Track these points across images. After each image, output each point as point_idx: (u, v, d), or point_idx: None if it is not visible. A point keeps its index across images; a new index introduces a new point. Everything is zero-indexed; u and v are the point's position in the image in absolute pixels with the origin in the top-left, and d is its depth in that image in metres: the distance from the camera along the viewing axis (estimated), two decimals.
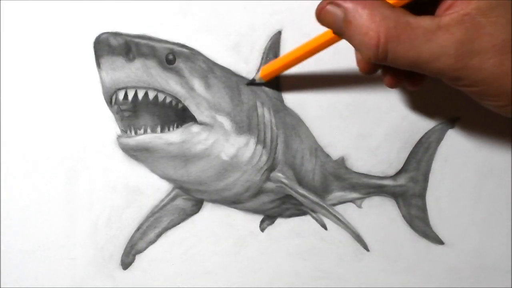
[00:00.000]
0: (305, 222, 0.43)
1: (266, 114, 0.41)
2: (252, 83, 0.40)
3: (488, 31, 0.28)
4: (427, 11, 0.31)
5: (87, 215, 0.42)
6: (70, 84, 0.40)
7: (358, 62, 0.36)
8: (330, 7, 0.32)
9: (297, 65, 0.38)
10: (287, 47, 0.41)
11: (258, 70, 0.40)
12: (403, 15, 0.30)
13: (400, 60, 0.30)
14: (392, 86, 0.37)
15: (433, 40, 0.29)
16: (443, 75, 0.30)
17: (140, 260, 0.43)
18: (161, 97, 0.38)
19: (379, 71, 0.36)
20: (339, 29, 0.32)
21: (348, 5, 0.31)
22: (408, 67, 0.31)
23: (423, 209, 0.44)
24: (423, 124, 0.43)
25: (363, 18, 0.30)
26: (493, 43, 0.28)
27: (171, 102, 0.38)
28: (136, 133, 0.39)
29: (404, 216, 0.44)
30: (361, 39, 0.30)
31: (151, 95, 0.38)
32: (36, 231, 0.42)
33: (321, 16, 0.33)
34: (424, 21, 0.29)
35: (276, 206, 0.43)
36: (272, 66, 0.39)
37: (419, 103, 0.42)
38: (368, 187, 0.43)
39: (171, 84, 0.38)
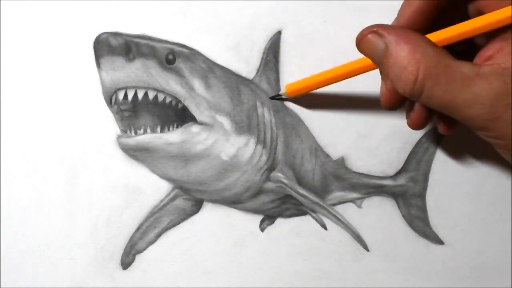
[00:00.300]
0: (305, 222, 0.43)
1: (266, 114, 0.41)
2: (275, 97, 0.41)
3: None
4: (465, 57, 0.31)
5: (87, 215, 0.42)
6: (70, 84, 0.40)
7: (382, 94, 0.36)
8: (372, 37, 0.32)
9: (294, 65, 0.38)
10: (287, 47, 0.41)
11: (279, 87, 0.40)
12: (444, 56, 0.30)
13: (434, 100, 0.30)
14: (416, 127, 0.37)
15: (470, 87, 0.29)
16: (473, 123, 0.30)
17: (140, 260, 0.43)
18: (161, 97, 0.38)
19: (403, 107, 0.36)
20: (377, 60, 0.32)
21: (391, 38, 0.31)
22: (440, 108, 0.31)
23: (423, 209, 0.44)
24: None
25: (405, 52, 0.30)
26: None
27: (171, 102, 0.38)
28: (136, 133, 0.39)
29: (404, 216, 0.44)
30: (399, 73, 0.30)
31: (151, 95, 0.38)
32: (36, 231, 0.42)
33: (362, 44, 0.33)
34: (464, 67, 0.29)
35: (276, 206, 0.43)
36: (300, 84, 0.39)
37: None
38: (368, 187, 0.43)
39: (171, 84, 0.38)
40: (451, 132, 0.38)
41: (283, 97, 0.41)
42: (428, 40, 0.31)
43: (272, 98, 0.41)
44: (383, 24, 0.32)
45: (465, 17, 0.32)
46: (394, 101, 0.35)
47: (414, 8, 0.33)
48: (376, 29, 0.32)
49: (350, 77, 0.37)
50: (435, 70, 0.29)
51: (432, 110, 0.33)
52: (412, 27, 0.33)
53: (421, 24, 0.33)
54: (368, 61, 0.34)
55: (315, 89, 0.39)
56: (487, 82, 0.29)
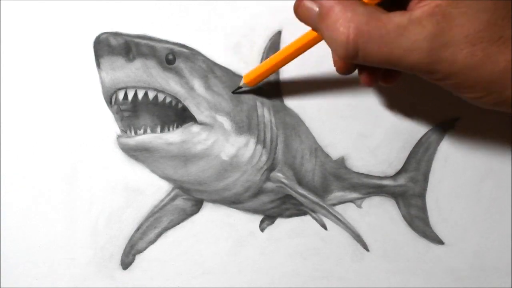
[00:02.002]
0: (305, 222, 0.43)
1: (266, 114, 0.41)
2: (237, 91, 0.40)
3: (459, 22, 0.28)
4: (402, 8, 0.31)
5: (87, 215, 0.42)
6: (70, 84, 0.40)
7: (335, 61, 0.36)
8: (307, 2, 0.32)
9: (293, 65, 0.38)
10: None
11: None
12: (376, 11, 0.29)
13: (372, 58, 0.30)
14: (368, 84, 0.36)
15: (404, 35, 0.28)
16: (417, 70, 0.30)
17: (140, 260, 0.43)
18: (161, 97, 0.38)
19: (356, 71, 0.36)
20: (314, 25, 0.32)
21: (323, 0, 0.31)
22: (381, 64, 0.30)
23: (423, 209, 0.44)
24: (423, 124, 0.43)
25: (335, 13, 0.30)
26: (464, 34, 0.28)
27: (171, 102, 0.38)
28: (136, 133, 0.39)
29: (404, 216, 0.44)
30: (332, 35, 0.30)
31: (151, 95, 0.38)
32: (36, 231, 0.42)
33: (298, 10, 0.33)
34: (396, 16, 0.29)
35: (276, 206, 0.43)
36: (256, 71, 0.38)
37: (419, 103, 0.42)
38: (368, 187, 0.43)
39: (171, 84, 0.38)
40: (392, 84, 0.37)
41: (244, 89, 0.40)
42: (360, 1, 0.30)
43: (234, 92, 0.40)
44: None
45: None
46: (346, 65, 0.35)
47: None
48: None
49: (302, 53, 0.36)
50: (366, 27, 0.29)
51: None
52: None
53: None
54: (314, 33, 0.34)
55: (272, 73, 0.38)
56: (420, 26, 0.28)
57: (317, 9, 0.31)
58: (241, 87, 0.39)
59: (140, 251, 0.42)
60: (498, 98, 0.30)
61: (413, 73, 0.30)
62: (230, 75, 0.40)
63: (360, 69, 0.36)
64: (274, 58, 0.37)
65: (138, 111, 0.39)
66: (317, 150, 0.43)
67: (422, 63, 0.29)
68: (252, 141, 0.40)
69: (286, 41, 0.40)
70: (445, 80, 0.30)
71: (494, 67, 0.28)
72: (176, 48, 0.39)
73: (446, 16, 0.28)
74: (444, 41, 0.28)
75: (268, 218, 0.43)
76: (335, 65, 0.36)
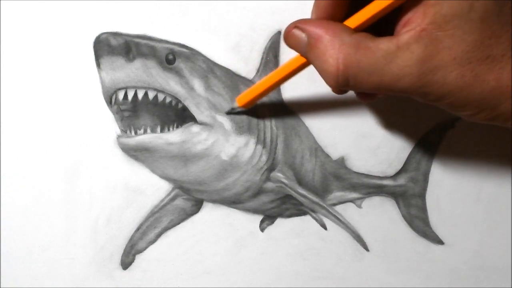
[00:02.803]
0: (305, 222, 0.43)
1: (266, 114, 0.41)
2: (231, 112, 0.39)
3: (447, 45, 0.28)
4: (388, 30, 0.31)
5: (87, 215, 0.42)
6: (70, 84, 0.40)
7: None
8: (295, 31, 0.32)
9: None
10: (287, 47, 0.41)
11: (234, 100, 0.39)
12: (363, 39, 0.29)
13: (362, 85, 0.30)
14: (366, 101, 0.37)
15: (394, 61, 0.29)
16: (409, 93, 0.30)
17: (140, 260, 0.43)
18: (161, 97, 0.38)
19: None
20: (304, 54, 0.33)
21: (312, 30, 0.31)
22: (372, 90, 0.30)
23: (423, 209, 0.44)
24: (423, 124, 0.43)
25: (324, 44, 0.30)
26: (452, 56, 0.28)
27: (171, 102, 0.38)
28: (136, 133, 0.39)
29: (404, 216, 0.44)
30: (322, 66, 0.30)
31: (151, 95, 0.38)
32: (36, 231, 0.42)
33: (288, 39, 0.33)
34: (383, 43, 0.29)
35: (276, 206, 0.43)
36: (250, 94, 0.38)
37: (419, 103, 0.42)
38: (368, 187, 0.43)
39: (171, 84, 0.38)
40: (373, 101, 0.37)
41: (238, 110, 0.39)
42: (346, 28, 0.31)
43: (228, 113, 0.39)
44: (306, 19, 0.32)
45: None
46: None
47: None
48: (298, 24, 0.32)
49: (294, 75, 0.36)
50: (355, 57, 0.29)
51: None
52: (331, 16, 0.32)
53: (339, 10, 0.32)
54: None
55: (265, 95, 0.38)
56: (408, 51, 0.28)
57: (306, 38, 0.31)
58: (234, 109, 0.39)
59: (140, 251, 0.42)
60: (491, 114, 0.30)
61: (404, 95, 0.31)
62: (230, 75, 0.40)
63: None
64: (267, 81, 0.37)
65: (138, 111, 0.39)
66: (317, 150, 0.43)
67: (413, 87, 0.29)
68: (252, 141, 0.40)
69: None
70: (437, 101, 0.30)
71: (484, 86, 0.28)
72: (176, 48, 0.39)
73: (433, 40, 0.28)
74: (433, 65, 0.28)
75: (268, 218, 0.43)
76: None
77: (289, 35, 0.33)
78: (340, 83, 0.30)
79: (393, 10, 0.30)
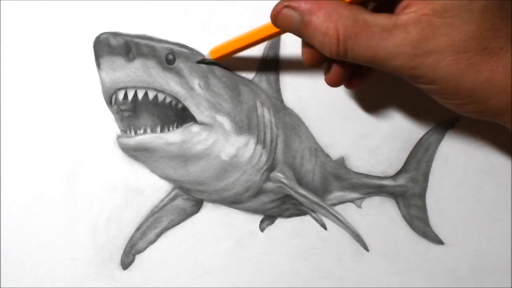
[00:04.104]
0: (305, 222, 0.43)
1: (266, 114, 0.41)
2: (202, 62, 0.39)
3: (444, 31, 0.28)
4: (386, 10, 0.31)
5: (87, 215, 0.42)
6: (70, 84, 0.40)
7: (304, 54, 0.36)
8: (286, 11, 0.32)
9: (293, 65, 0.37)
10: (287, 47, 0.41)
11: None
12: (360, 13, 0.30)
13: (359, 57, 0.30)
14: (333, 84, 0.37)
15: (389, 38, 0.29)
16: (401, 73, 0.30)
17: (140, 260, 0.43)
18: (161, 97, 0.38)
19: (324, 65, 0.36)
20: (297, 32, 0.33)
21: (305, 7, 0.31)
22: (367, 63, 0.31)
23: (423, 209, 0.44)
24: (423, 124, 0.43)
25: (321, 18, 0.30)
26: (449, 43, 0.28)
27: (171, 102, 0.38)
28: (136, 133, 0.39)
29: (404, 216, 0.44)
30: (321, 39, 0.31)
31: (151, 95, 0.38)
32: (36, 231, 0.42)
33: (278, 20, 0.33)
34: (382, 19, 0.29)
35: (276, 206, 0.43)
36: (224, 49, 0.38)
37: (420, 103, 0.42)
38: (368, 187, 0.43)
39: (171, 84, 0.38)
40: (357, 88, 0.38)
41: (208, 60, 0.39)
42: (341, 1, 0.31)
43: (199, 62, 0.39)
44: None
45: None
46: (316, 59, 0.35)
47: None
48: (288, 3, 0.32)
49: (271, 38, 0.36)
50: (353, 29, 0.29)
51: (348, 68, 0.34)
52: None
53: None
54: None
55: (237, 53, 0.38)
56: (405, 31, 0.29)
57: (298, 16, 0.31)
58: (206, 59, 0.39)
59: (140, 251, 0.42)
60: (480, 107, 0.30)
61: (397, 75, 0.31)
62: (230, 75, 0.40)
63: (329, 67, 0.36)
64: (244, 39, 0.37)
65: (138, 111, 0.39)
66: (317, 150, 0.43)
67: (406, 67, 0.29)
68: (252, 141, 0.40)
69: (286, 41, 0.40)
70: (427, 84, 0.30)
71: (477, 76, 0.29)
72: (176, 48, 0.39)
73: (431, 25, 0.28)
74: (428, 48, 0.28)
75: (268, 218, 0.43)
76: (303, 57, 0.36)
77: (280, 16, 0.33)
78: (340, 53, 0.30)
79: None
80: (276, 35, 0.36)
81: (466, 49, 0.28)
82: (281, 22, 0.33)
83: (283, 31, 0.35)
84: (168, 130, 0.39)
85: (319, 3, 0.31)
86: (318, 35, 0.31)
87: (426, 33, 0.28)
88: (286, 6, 0.32)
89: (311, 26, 0.31)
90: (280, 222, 0.43)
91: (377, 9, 0.31)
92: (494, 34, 0.28)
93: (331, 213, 0.43)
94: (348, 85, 0.38)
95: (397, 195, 0.44)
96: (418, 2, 0.29)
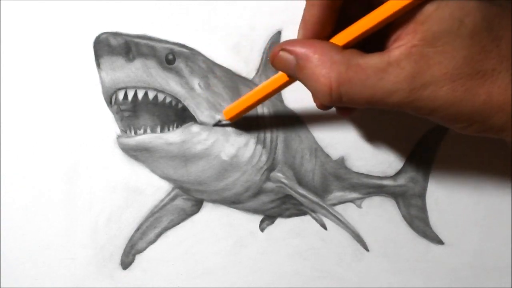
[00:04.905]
0: (305, 222, 0.43)
1: (266, 114, 0.41)
2: (217, 124, 0.39)
3: (437, 61, 0.28)
4: (378, 46, 0.31)
5: (87, 215, 0.42)
6: (70, 84, 0.40)
7: (314, 99, 0.37)
8: (282, 54, 0.32)
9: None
10: None
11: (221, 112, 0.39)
12: (353, 56, 0.30)
13: (355, 101, 0.30)
14: (345, 116, 0.38)
15: (385, 78, 0.29)
16: (401, 108, 0.30)
17: (140, 260, 0.43)
18: (161, 97, 0.38)
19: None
20: (294, 75, 0.33)
21: (299, 51, 0.31)
22: (365, 105, 0.31)
23: (423, 209, 0.44)
24: (423, 124, 0.43)
25: (314, 64, 0.30)
26: (443, 72, 0.28)
27: (171, 102, 0.38)
28: (136, 133, 0.39)
29: (404, 216, 0.44)
30: (314, 86, 0.31)
31: (151, 95, 0.38)
32: (36, 231, 0.42)
33: (275, 62, 0.33)
34: (374, 60, 0.29)
35: (276, 206, 0.43)
36: (236, 108, 0.38)
37: None
38: (368, 187, 0.43)
39: (171, 84, 0.38)
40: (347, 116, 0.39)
41: (224, 123, 0.39)
42: (334, 46, 0.31)
43: (215, 125, 0.39)
44: (291, 40, 0.32)
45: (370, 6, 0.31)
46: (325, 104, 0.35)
47: (316, 12, 0.32)
48: (284, 46, 0.32)
49: (280, 91, 0.36)
50: (346, 74, 0.29)
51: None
52: (318, 34, 0.32)
53: (327, 28, 0.32)
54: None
55: (252, 109, 0.38)
56: (399, 68, 0.29)
57: (293, 60, 0.31)
58: (221, 121, 0.39)
59: (140, 251, 0.42)
60: (482, 126, 0.30)
61: (397, 110, 0.31)
62: (230, 75, 0.40)
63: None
64: (254, 95, 0.36)
65: (138, 111, 0.39)
66: (317, 150, 0.43)
67: (404, 102, 0.29)
68: (252, 141, 0.40)
69: None
70: (429, 115, 0.30)
71: (475, 100, 0.29)
72: (176, 48, 0.39)
73: (423, 56, 0.28)
74: (423, 80, 0.28)
75: (268, 218, 0.43)
76: (314, 102, 0.37)
77: (276, 58, 0.33)
78: (334, 100, 0.30)
79: (383, 27, 0.30)
80: (283, 88, 0.36)
81: (460, 75, 0.28)
82: (278, 64, 0.33)
83: (292, 79, 0.35)
84: (168, 130, 0.39)
85: (314, 47, 0.30)
86: (311, 80, 0.31)
87: (419, 65, 0.28)
88: (282, 49, 0.32)
89: (304, 72, 0.31)
90: (280, 222, 0.43)
91: (370, 48, 0.31)
92: (486, 56, 0.28)
93: (331, 213, 0.43)
94: (339, 113, 0.38)
95: (397, 195, 0.44)
96: (407, 32, 0.29)
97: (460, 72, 0.28)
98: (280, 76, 0.35)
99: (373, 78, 0.29)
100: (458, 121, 0.30)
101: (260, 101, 0.37)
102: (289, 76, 0.34)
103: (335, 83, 0.30)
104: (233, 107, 0.38)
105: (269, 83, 0.36)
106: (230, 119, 0.38)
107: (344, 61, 0.30)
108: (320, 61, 0.30)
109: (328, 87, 0.30)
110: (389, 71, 0.29)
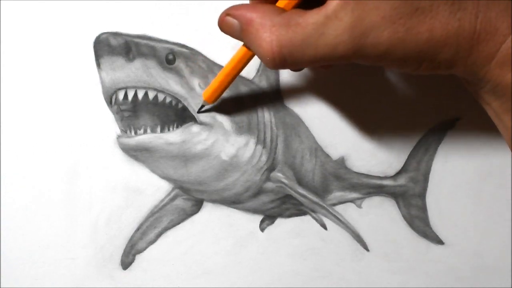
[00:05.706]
0: (305, 222, 0.43)
1: (266, 114, 0.41)
2: (201, 110, 0.39)
3: (374, 6, 0.28)
4: (322, 2, 0.30)
5: (87, 215, 0.42)
6: (70, 84, 0.40)
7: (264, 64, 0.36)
8: (228, 18, 0.32)
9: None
10: None
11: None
12: (293, 17, 0.29)
13: (300, 62, 0.30)
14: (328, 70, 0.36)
15: (325, 33, 0.28)
16: (347, 60, 0.30)
17: (140, 260, 0.43)
18: (161, 97, 0.38)
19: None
20: (240, 39, 0.33)
21: (241, 15, 0.31)
22: (311, 64, 0.30)
23: (423, 209, 0.44)
24: (423, 124, 0.43)
25: (255, 28, 0.30)
26: (381, 15, 0.28)
27: (171, 102, 0.38)
28: (136, 133, 0.39)
29: (404, 216, 0.44)
30: (257, 50, 0.30)
31: (151, 95, 0.38)
32: (36, 231, 0.42)
33: (222, 27, 0.33)
34: (313, 17, 0.29)
35: (276, 206, 0.43)
36: (211, 87, 0.37)
37: (419, 103, 0.42)
38: (368, 187, 0.43)
39: (171, 84, 0.38)
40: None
41: (207, 107, 0.39)
42: (275, 8, 0.30)
43: (199, 112, 0.39)
44: (237, 5, 0.32)
45: None
46: None
47: None
48: (229, 11, 0.32)
49: (250, 61, 0.35)
50: (287, 35, 0.29)
51: None
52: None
53: None
54: None
55: (229, 85, 0.37)
56: (337, 20, 0.28)
57: (238, 24, 0.31)
58: (203, 106, 0.39)
59: (140, 251, 0.42)
60: (432, 64, 0.30)
61: (346, 63, 0.30)
62: None
63: None
64: (225, 70, 0.36)
65: (138, 111, 0.39)
66: (317, 150, 0.43)
67: (349, 54, 0.29)
68: (252, 141, 0.40)
69: None
70: (378, 62, 0.30)
71: (419, 38, 0.28)
72: (176, 48, 0.39)
73: (359, 3, 0.28)
74: (364, 28, 0.28)
75: (268, 218, 0.43)
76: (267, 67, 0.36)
77: (222, 23, 0.33)
78: (277, 63, 0.30)
79: None
80: (251, 58, 0.35)
81: (399, 15, 0.28)
82: (225, 29, 0.33)
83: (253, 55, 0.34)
84: (168, 130, 0.39)
85: (256, 11, 0.30)
86: (254, 45, 0.30)
87: (357, 14, 0.28)
88: (227, 14, 0.32)
89: (248, 36, 0.31)
90: (280, 222, 0.43)
91: (314, 4, 0.30)
92: None
93: (331, 213, 0.43)
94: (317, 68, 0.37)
95: (397, 195, 0.44)
96: None
97: (398, 12, 0.28)
98: (242, 47, 0.35)
99: (314, 35, 0.29)
100: (408, 63, 0.30)
101: (232, 74, 0.36)
102: (238, 40, 0.33)
103: (277, 46, 0.29)
104: (209, 87, 0.37)
105: (235, 55, 0.35)
106: (209, 99, 0.37)
107: (284, 23, 0.29)
108: (261, 25, 0.30)
109: (270, 51, 0.29)
110: (329, 25, 0.28)
